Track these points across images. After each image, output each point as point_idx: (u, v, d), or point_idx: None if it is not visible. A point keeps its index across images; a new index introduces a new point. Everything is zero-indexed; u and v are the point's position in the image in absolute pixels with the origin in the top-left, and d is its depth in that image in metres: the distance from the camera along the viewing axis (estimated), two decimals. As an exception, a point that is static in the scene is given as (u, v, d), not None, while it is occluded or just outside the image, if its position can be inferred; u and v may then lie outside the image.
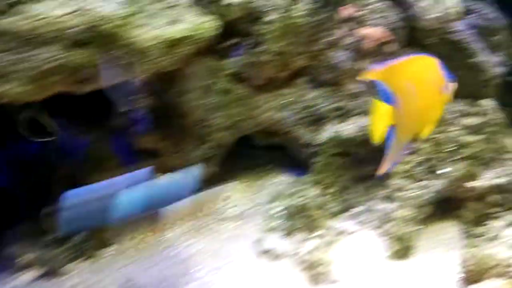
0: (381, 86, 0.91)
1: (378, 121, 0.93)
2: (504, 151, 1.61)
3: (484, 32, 1.65)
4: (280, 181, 1.60)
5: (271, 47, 1.32)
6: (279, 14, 1.32)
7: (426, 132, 1.01)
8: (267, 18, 1.32)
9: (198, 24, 1.11)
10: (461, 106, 1.55)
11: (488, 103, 1.51)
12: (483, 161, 1.45)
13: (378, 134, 0.94)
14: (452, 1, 1.44)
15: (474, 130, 1.47)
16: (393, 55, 1.46)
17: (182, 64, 1.17)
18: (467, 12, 1.63)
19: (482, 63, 1.60)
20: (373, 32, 1.41)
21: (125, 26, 1.01)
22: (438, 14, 1.42)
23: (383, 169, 0.95)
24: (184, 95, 1.26)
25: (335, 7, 1.39)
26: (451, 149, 1.36)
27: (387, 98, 0.91)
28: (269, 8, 1.31)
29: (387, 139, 0.93)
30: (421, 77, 0.95)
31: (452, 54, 1.64)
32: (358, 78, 1.13)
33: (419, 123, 0.97)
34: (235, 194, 1.61)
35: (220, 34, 1.34)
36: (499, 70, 1.63)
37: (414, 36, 1.48)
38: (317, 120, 1.42)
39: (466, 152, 1.37)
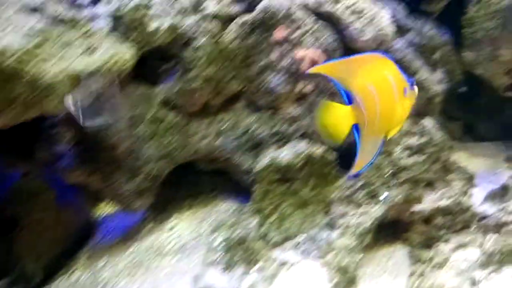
0: (337, 85, 0.87)
1: (337, 122, 0.88)
2: (448, 171, 1.60)
3: (423, 49, 1.65)
4: (224, 208, 1.54)
5: (202, 73, 1.27)
6: (208, 39, 1.28)
7: (392, 133, 0.97)
8: (196, 43, 1.27)
9: (115, 53, 1.05)
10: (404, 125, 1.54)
11: (429, 122, 1.49)
12: (427, 183, 1.43)
13: (339, 135, 0.89)
14: (386, 21, 1.43)
15: (416, 150, 1.45)
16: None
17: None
18: (406, 30, 1.64)
19: (424, 81, 1.59)
20: (308, 53, 1.38)
21: (29, 60, 0.94)
22: (373, 35, 1.41)
23: (355, 169, 0.91)
24: (110, 126, 1.19)
25: (269, 29, 1.36)
26: (393, 171, 1.33)
27: (346, 97, 0.87)
28: (197, 33, 1.27)
29: (355, 139, 0.89)
30: (380, 76, 0.91)
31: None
32: (308, 71, 1.04)
33: (384, 122, 0.93)
34: (180, 224, 1.54)
35: (149, 60, 1.29)
36: (441, 87, 1.63)
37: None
38: (256, 146, 1.37)
39: (408, 174, 1.34)
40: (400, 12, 1.68)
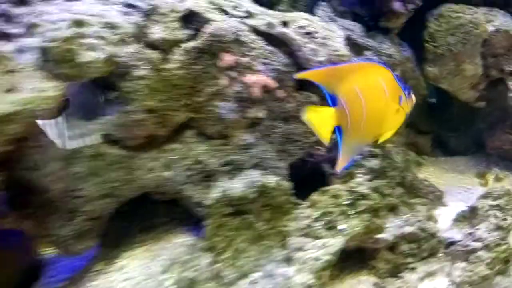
0: (322, 89, 0.93)
1: (320, 123, 0.94)
2: (415, 191, 1.54)
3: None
4: (179, 243, 1.42)
5: (143, 104, 1.19)
6: (149, 67, 1.20)
7: (384, 137, 1.02)
8: (136, 73, 1.19)
9: (39, 93, 0.97)
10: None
11: (390, 144, 1.43)
12: (390, 208, 1.36)
13: (324, 135, 0.96)
14: (340, 42, 1.37)
15: (377, 174, 1.39)
16: (283, 101, 1.38)
17: (14, 146, 1.01)
18: (364, 48, 1.59)
19: None
20: (258, 79, 1.31)
21: None
22: (327, 56, 1.35)
23: (339, 166, 0.98)
24: (41, 168, 1.11)
25: (217, 54, 1.29)
26: (353, 198, 1.26)
27: (330, 100, 0.93)
28: (137, 62, 1.19)
29: (337, 138, 0.95)
30: (369, 82, 0.95)
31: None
32: (296, 76, 1.11)
33: (372, 126, 0.96)
34: (131, 263, 1.42)
35: (86, 93, 1.21)
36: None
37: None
38: (208, 177, 1.28)
39: (369, 201, 1.27)
40: (358, 30, 1.64)
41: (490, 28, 1.69)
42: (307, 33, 1.35)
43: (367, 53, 1.59)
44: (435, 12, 1.81)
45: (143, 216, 1.52)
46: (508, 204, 1.37)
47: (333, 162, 1.56)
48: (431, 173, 1.98)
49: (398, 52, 1.70)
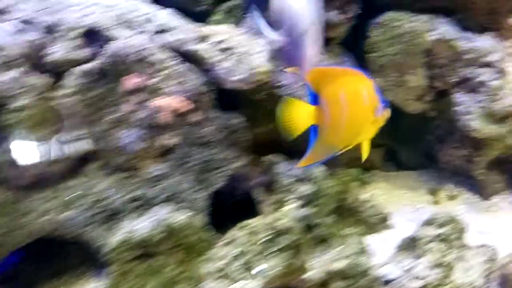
0: (307, 87, 0.93)
1: (297, 117, 0.94)
2: (351, 220, 1.43)
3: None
4: (91, 288, 1.29)
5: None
6: (33, 97, 1.05)
7: (351, 145, 1.00)
8: (15, 104, 1.04)
9: None
10: (296, 169, 1.36)
11: (320, 168, 1.32)
12: (320, 240, 1.23)
13: (294, 131, 0.95)
14: (262, 58, 1.25)
15: (307, 201, 1.26)
16: (199, 125, 1.24)
17: None
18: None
19: None
20: (168, 102, 1.17)
21: None
22: (245, 74, 1.23)
23: (301, 164, 0.96)
24: None
25: (120, 76, 1.15)
26: (274, 233, 1.13)
27: (311, 98, 0.93)
28: (18, 91, 1.04)
29: (310, 137, 0.95)
30: (353, 89, 0.94)
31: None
32: (285, 70, 1.18)
33: (349, 133, 0.96)
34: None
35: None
36: None
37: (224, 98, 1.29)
38: (111, 216, 1.14)
39: (292, 235, 1.13)
40: (290, 42, 1.52)
41: (431, 37, 1.58)
42: (225, 49, 1.22)
43: None
44: (376, 21, 1.69)
45: (56, 256, 1.36)
46: (453, 233, 1.25)
47: (266, 185, 1.46)
48: (381, 190, 1.87)
49: (336, 63, 1.59)
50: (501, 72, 1.51)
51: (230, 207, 1.36)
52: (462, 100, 1.55)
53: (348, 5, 1.53)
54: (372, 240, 1.54)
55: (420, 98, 1.78)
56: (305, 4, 1.16)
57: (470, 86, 1.55)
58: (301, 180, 1.30)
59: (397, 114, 1.94)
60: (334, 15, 1.52)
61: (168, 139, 1.17)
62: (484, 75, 1.51)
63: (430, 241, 1.24)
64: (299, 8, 1.15)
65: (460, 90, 1.56)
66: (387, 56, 1.67)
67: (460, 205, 1.74)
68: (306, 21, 1.13)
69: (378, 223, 1.55)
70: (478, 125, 1.51)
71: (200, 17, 1.75)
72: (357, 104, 0.93)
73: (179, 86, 1.18)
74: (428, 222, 1.31)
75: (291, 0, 1.17)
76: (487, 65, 1.51)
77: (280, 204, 1.30)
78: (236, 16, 1.68)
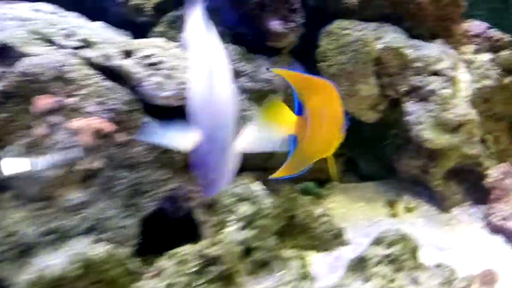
0: (294, 95, 0.89)
1: (279, 125, 0.91)
2: (302, 238, 1.36)
3: (260, 95, 1.41)
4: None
5: None
6: None
7: (332, 169, 1.00)
8: None
9: None
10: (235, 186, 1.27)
11: (257, 188, 1.23)
12: (260, 264, 1.15)
13: (276, 136, 0.92)
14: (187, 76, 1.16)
15: (246, 222, 1.18)
16: (126, 146, 1.15)
17: None
18: (237, 74, 1.39)
19: None
20: (89, 122, 1.08)
21: None
22: (175, 89, 1.14)
23: (275, 175, 0.92)
24: None
25: (29, 98, 1.05)
26: (202, 263, 1.04)
27: (297, 107, 0.89)
28: None
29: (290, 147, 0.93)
30: (331, 103, 0.92)
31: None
32: (272, 70, 1.13)
33: (322, 147, 0.94)
34: None
35: None
36: None
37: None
38: (24, 252, 1.03)
39: (222, 265, 1.04)
40: (232, 53, 1.44)
41: (379, 45, 1.52)
42: (152, 64, 1.13)
43: (240, 79, 1.40)
44: (325, 29, 1.64)
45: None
46: (403, 253, 1.18)
47: (208, 206, 1.37)
48: (338, 203, 1.80)
49: (274, 78, 1.51)
50: (452, 80, 1.47)
51: (170, 231, 1.27)
52: (413, 110, 1.49)
53: (292, 14, 1.46)
54: (324, 259, 1.48)
55: (374, 107, 1.73)
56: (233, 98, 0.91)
57: (420, 95, 1.50)
58: (243, 199, 1.21)
59: (356, 123, 1.89)
60: (278, 25, 1.45)
61: (90, 163, 1.07)
62: (434, 83, 1.46)
63: (378, 263, 1.17)
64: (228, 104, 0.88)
65: (411, 99, 1.51)
66: (337, 65, 1.61)
67: (419, 218, 1.68)
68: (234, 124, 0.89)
69: (332, 239, 1.48)
70: (430, 135, 1.46)
71: (143, 29, 1.66)
72: (333, 120, 0.91)
73: (103, 105, 1.08)
74: (377, 241, 1.24)
75: (220, 88, 0.89)
76: (437, 73, 1.47)
77: (221, 225, 1.21)
78: (179, 28, 1.61)
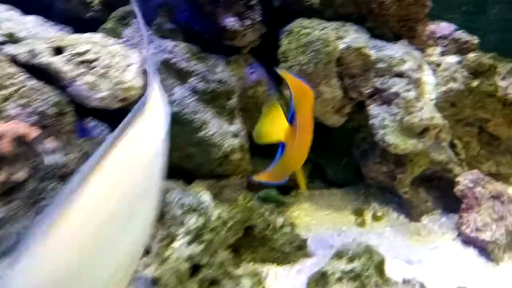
0: (292, 102, 0.93)
1: (272, 129, 0.95)
2: (261, 252, 1.26)
3: (213, 97, 1.31)
4: None
5: None
6: None
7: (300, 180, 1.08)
8: None
9: None
10: (183, 196, 1.16)
11: (207, 198, 1.13)
12: (209, 283, 1.04)
13: (264, 138, 0.97)
14: (130, 71, 1.05)
15: (194, 237, 1.07)
16: (53, 153, 1.03)
17: None
18: (187, 75, 1.28)
19: (213, 137, 1.24)
20: (10, 127, 0.95)
21: None
22: (109, 91, 1.03)
23: (258, 177, 0.96)
24: None
25: None
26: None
27: (290, 116, 0.93)
28: None
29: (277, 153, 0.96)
30: (312, 115, 0.98)
31: (174, 129, 1.26)
32: (279, 71, 1.05)
33: (301, 158, 0.99)
34: None
35: None
36: (238, 141, 1.29)
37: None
38: None
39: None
40: (181, 53, 1.33)
41: (341, 45, 1.43)
42: (85, 62, 1.02)
43: (191, 79, 1.29)
44: (286, 29, 1.54)
45: None
46: (366, 268, 1.08)
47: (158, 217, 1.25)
48: (304, 211, 1.70)
49: (241, 75, 1.43)
50: (416, 83, 1.40)
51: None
52: (377, 113, 1.41)
53: (248, 11, 1.37)
54: (285, 273, 1.37)
55: (339, 111, 1.64)
56: None
57: (384, 97, 1.41)
58: (192, 210, 1.10)
59: (323, 128, 1.81)
60: (233, 22, 1.36)
61: (10, 174, 0.95)
62: (398, 85, 1.38)
63: (340, 278, 1.08)
64: None
65: (375, 102, 1.44)
66: (297, 66, 1.52)
67: (387, 227, 1.58)
68: None
69: (295, 251, 1.38)
70: (394, 140, 1.37)
71: (91, 25, 1.54)
72: (311, 131, 0.96)
73: (26, 107, 0.96)
74: (339, 255, 1.15)
75: None
76: (401, 75, 1.39)
77: (171, 239, 1.10)
78: (129, 24, 1.50)
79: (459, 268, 1.39)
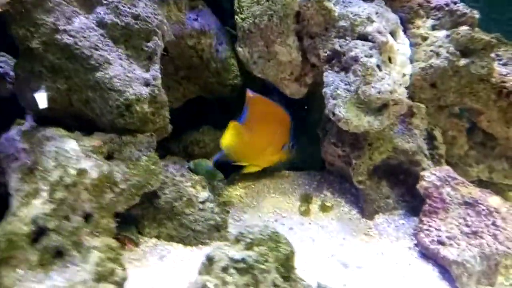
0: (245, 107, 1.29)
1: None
2: (181, 230, 1.06)
3: (126, 35, 1.08)
4: None
5: None
6: None
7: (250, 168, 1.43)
8: None
9: None
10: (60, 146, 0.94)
11: (73, 146, 0.91)
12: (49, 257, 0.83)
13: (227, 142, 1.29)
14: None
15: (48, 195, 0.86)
16: None
17: None
18: (95, 2, 1.05)
19: (112, 80, 1.02)
20: None
21: None
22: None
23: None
24: None
25: None
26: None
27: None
28: None
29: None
30: (269, 117, 1.34)
31: (65, 67, 1.03)
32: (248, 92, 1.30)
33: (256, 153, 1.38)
34: None
35: None
36: (148, 90, 1.07)
37: None
38: None
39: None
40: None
41: (300, -5, 1.20)
42: None
43: (98, 9, 1.02)
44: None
45: None
46: (263, 260, 0.82)
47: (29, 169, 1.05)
48: (249, 191, 1.45)
49: (179, 20, 1.18)
50: (382, 48, 1.13)
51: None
52: (331, 80, 1.14)
53: None
54: (189, 255, 1.12)
55: (299, 79, 1.39)
56: None
57: (343, 62, 1.15)
58: (59, 163, 0.89)
59: (286, 99, 1.56)
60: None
61: None
62: (358, 49, 1.10)
63: (226, 268, 0.84)
64: None
65: (331, 68, 1.18)
66: (251, 19, 1.27)
67: (332, 221, 1.33)
68: None
69: (209, 232, 1.16)
70: (346, 113, 1.10)
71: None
72: (268, 131, 1.37)
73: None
74: (237, 239, 0.92)
75: None
76: (364, 37, 1.12)
77: (32, 196, 0.90)
78: None
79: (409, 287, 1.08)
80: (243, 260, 0.83)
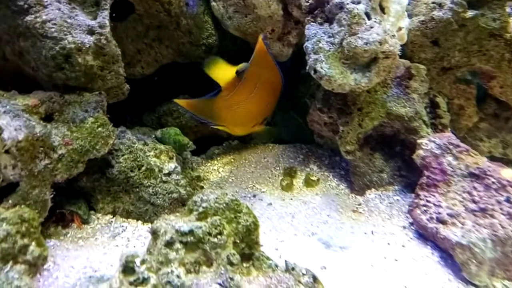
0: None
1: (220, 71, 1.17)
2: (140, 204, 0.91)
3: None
4: None
5: None
6: None
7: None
8: None
9: None
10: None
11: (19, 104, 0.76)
12: None
13: (210, 71, 1.18)
14: None
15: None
16: None
17: None
18: None
19: (46, 25, 0.84)
20: None
21: None
22: None
23: (177, 101, 1.20)
24: None
25: None
26: None
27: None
28: None
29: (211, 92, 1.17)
30: (267, 79, 1.21)
31: None
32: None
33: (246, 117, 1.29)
34: None
35: None
36: (93, 39, 0.90)
37: None
38: None
39: None
40: None
41: None
42: None
43: None
44: None
45: None
46: (214, 233, 0.68)
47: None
48: (227, 165, 1.30)
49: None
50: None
51: None
52: (313, 32, 0.97)
53: None
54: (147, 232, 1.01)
55: (282, 37, 1.23)
56: None
57: (326, 12, 0.97)
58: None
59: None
60: None
61: None
62: (345, -7, 0.95)
63: (172, 243, 0.70)
64: None
65: (314, 19, 1.01)
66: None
67: (317, 196, 1.16)
68: None
69: (171, 207, 0.99)
70: (328, 70, 0.92)
71: None
72: (264, 95, 1.23)
73: None
74: (189, 208, 0.77)
75: None
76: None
77: None
78: None
79: (399, 274, 0.88)
80: (191, 233, 0.69)
